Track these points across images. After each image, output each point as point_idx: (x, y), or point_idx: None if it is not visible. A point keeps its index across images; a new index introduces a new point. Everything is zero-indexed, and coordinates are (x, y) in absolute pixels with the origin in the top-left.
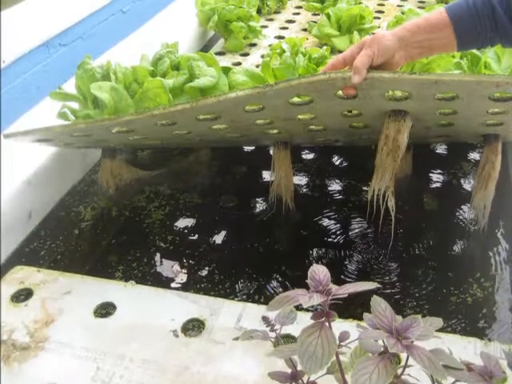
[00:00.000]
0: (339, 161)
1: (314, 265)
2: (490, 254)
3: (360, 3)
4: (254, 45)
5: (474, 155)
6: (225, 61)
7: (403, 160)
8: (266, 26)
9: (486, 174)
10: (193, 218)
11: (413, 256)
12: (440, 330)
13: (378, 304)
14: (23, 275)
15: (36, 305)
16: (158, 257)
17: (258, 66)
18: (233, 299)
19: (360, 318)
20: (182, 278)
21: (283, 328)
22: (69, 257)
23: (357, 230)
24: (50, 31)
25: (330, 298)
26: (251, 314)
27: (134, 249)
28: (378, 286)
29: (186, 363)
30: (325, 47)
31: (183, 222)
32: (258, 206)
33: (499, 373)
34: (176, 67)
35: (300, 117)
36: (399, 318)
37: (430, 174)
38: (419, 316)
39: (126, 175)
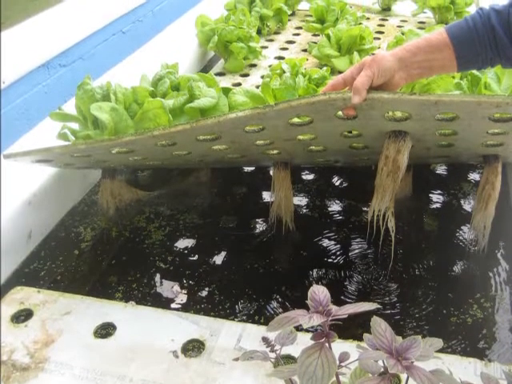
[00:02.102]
0: (339, 181)
1: (314, 285)
2: (490, 274)
3: (360, 24)
4: (254, 65)
5: (473, 176)
6: (225, 81)
7: (403, 181)
8: (266, 47)
9: (485, 194)
10: (193, 239)
11: (413, 276)
12: (440, 351)
13: (378, 325)
14: (23, 296)
15: (36, 325)
16: (158, 277)
17: (258, 87)
18: (233, 320)
19: (360, 339)
20: (182, 298)
21: (283, 348)
22: (69, 277)
23: (357, 251)
24: (50, 52)
25: (330, 318)
26: (251, 334)
27: (134, 269)
28: (378, 306)
29: None
30: (325, 68)
31: (183, 243)
32: (258, 226)
33: None
34: (176, 88)
35: (300, 137)
36: (399, 338)
37: (430, 195)
38: (419, 337)
39: (126, 196)
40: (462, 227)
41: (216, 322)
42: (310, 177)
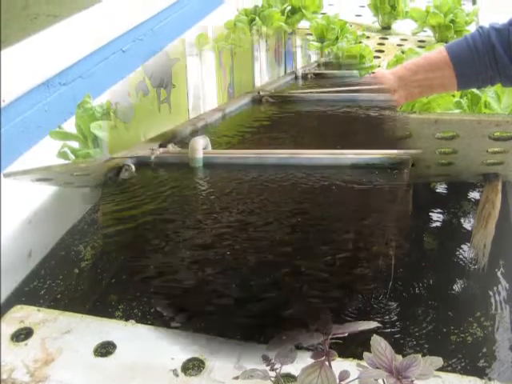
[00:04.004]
0: None
1: None
2: (490, 293)
3: (360, 42)
4: None
5: (473, 194)
6: None
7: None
8: None
9: (486, 213)
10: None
11: (413, 295)
12: (440, 370)
13: (378, 343)
14: (23, 314)
15: (36, 344)
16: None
17: None
18: (233, 338)
19: (360, 357)
20: (182, 317)
21: (283, 367)
22: (69, 296)
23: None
24: (50, 70)
25: (330, 337)
26: (251, 353)
27: (134, 288)
28: (378, 325)
29: None
30: None
31: None
32: None
33: None
34: None
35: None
36: (399, 357)
37: (430, 213)
38: (419, 355)
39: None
40: (462, 246)
41: (216, 340)
42: None
